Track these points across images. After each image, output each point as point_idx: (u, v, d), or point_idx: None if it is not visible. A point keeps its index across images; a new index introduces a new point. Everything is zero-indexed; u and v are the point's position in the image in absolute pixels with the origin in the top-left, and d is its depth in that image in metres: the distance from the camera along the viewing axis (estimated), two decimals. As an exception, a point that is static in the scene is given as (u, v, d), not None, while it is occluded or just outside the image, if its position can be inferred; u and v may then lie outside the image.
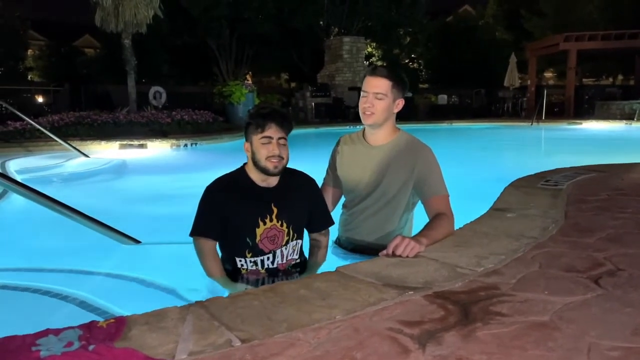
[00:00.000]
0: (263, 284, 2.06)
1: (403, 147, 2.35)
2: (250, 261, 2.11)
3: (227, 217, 2.08)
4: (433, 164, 2.31)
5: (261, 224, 2.09)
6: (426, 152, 2.34)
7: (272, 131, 2.05)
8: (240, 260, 2.11)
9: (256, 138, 2.06)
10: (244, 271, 2.12)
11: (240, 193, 2.11)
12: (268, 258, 2.12)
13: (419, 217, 2.41)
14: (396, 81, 2.30)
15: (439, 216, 2.16)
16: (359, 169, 2.42)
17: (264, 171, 2.08)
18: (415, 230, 2.45)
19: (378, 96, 2.27)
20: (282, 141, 2.08)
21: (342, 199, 2.62)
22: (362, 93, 2.33)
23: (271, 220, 2.10)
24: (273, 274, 2.14)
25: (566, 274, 1.61)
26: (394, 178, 2.33)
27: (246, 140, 2.13)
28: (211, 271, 2.12)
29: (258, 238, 2.09)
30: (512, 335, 1.20)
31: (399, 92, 2.32)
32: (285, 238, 2.15)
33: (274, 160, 2.05)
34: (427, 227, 2.10)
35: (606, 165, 4.29)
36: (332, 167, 2.56)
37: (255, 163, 2.09)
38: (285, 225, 2.13)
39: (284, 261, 2.17)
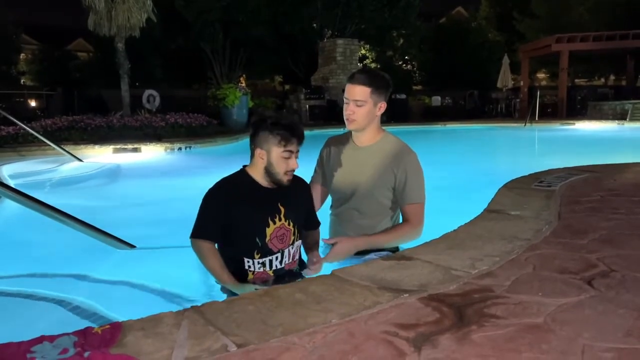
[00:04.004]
0: None
1: (389, 150, 2.39)
2: (259, 262, 2.11)
3: (234, 218, 2.08)
4: (415, 170, 2.36)
5: (271, 223, 2.11)
6: (410, 157, 2.38)
7: (294, 146, 2.10)
8: (248, 262, 2.11)
9: (277, 150, 2.07)
10: (250, 274, 2.12)
11: (246, 194, 2.12)
12: (277, 258, 2.13)
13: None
14: (375, 86, 2.32)
15: (400, 225, 2.41)
16: (344, 169, 2.46)
17: (278, 183, 2.12)
18: None
19: (358, 103, 2.32)
20: (297, 154, 2.14)
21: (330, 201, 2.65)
22: (344, 100, 2.37)
23: (280, 220, 2.12)
24: (280, 276, 2.14)
25: (560, 276, 1.62)
26: (377, 179, 2.37)
27: (259, 147, 2.10)
28: (216, 270, 2.09)
29: (268, 238, 2.10)
30: (506, 337, 1.20)
31: (380, 95, 2.34)
32: (292, 237, 2.18)
33: (290, 175, 2.12)
34: (383, 230, 2.39)
35: (599, 165, 4.32)
36: (320, 166, 2.61)
37: (270, 174, 2.11)
38: (292, 224, 2.17)
39: (291, 261, 2.19)
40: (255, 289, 1.95)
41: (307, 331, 1.25)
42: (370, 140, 2.43)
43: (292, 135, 2.07)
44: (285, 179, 2.11)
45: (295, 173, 2.32)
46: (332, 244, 2.26)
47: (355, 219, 2.44)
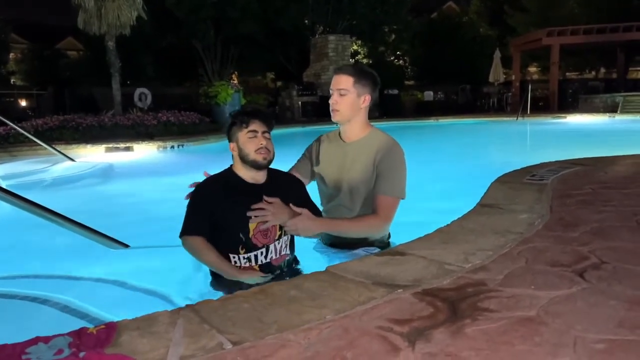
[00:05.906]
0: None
1: (376, 146, 2.37)
2: (244, 257, 2.12)
3: (219, 214, 2.10)
4: (397, 163, 2.34)
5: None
6: (394, 151, 2.36)
7: (257, 125, 2.14)
8: (234, 257, 2.12)
9: (242, 134, 2.13)
10: None
11: (230, 190, 2.14)
12: (262, 253, 2.14)
13: (399, 215, 2.41)
14: (358, 77, 2.33)
15: (368, 216, 2.30)
16: (333, 166, 2.47)
17: (254, 165, 2.13)
18: (396, 230, 2.48)
19: (341, 92, 2.34)
20: (266, 135, 2.16)
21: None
22: (330, 92, 2.39)
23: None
24: (267, 270, 2.14)
25: (552, 269, 1.64)
26: (364, 175, 2.36)
27: (231, 141, 2.19)
28: (214, 262, 2.09)
29: (251, 233, 2.11)
30: (499, 331, 1.22)
31: (364, 87, 2.35)
32: (278, 232, 2.18)
33: (262, 152, 2.12)
34: (349, 218, 2.34)
35: (590, 158, 4.35)
36: (304, 156, 2.60)
37: (244, 159, 2.13)
38: None
39: (278, 256, 2.19)
40: (261, 277, 2.01)
41: (302, 328, 1.25)
42: (357, 135, 2.42)
43: (249, 116, 2.15)
44: (259, 157, 2.12)
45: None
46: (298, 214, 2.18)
47: (344, 215, 2.43)
